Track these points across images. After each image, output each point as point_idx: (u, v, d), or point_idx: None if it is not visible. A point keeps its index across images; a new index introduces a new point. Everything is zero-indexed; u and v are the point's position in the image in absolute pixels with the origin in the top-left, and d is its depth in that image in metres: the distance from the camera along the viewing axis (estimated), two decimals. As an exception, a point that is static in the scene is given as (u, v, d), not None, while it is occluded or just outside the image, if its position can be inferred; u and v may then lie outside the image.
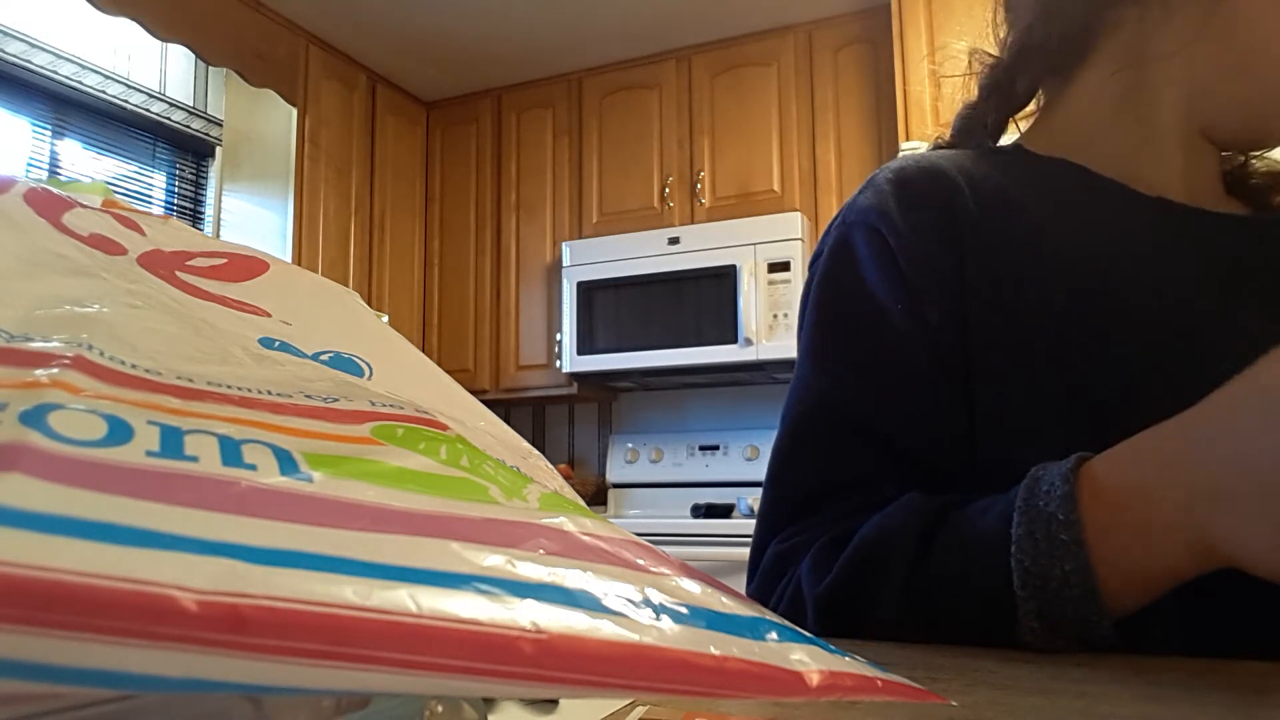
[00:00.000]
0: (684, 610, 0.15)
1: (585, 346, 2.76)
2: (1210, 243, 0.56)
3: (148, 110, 2.63)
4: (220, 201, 2.83)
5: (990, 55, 0.65)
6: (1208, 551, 0.37)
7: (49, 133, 2.41)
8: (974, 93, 0.67)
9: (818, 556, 0.49)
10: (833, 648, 0.17)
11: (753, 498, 2.55)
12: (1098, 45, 0.60)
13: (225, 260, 0.27)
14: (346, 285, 0.31)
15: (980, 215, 0.55)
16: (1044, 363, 0.51)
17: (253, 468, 0.15)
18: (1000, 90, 0.65)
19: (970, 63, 0.67)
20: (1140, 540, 0.38)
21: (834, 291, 0.58)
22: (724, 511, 2.57)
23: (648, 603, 0.15)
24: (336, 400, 0.20)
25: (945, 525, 0.45)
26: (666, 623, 0.15)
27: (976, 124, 0.66)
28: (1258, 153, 0.66)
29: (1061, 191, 0.58)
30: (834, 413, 0.55)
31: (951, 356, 0.53)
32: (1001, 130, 0.67)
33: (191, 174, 2.81)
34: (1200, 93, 0.59)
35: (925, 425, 0.52)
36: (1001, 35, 0.65)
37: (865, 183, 0.60)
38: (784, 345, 2.51)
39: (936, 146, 0.67)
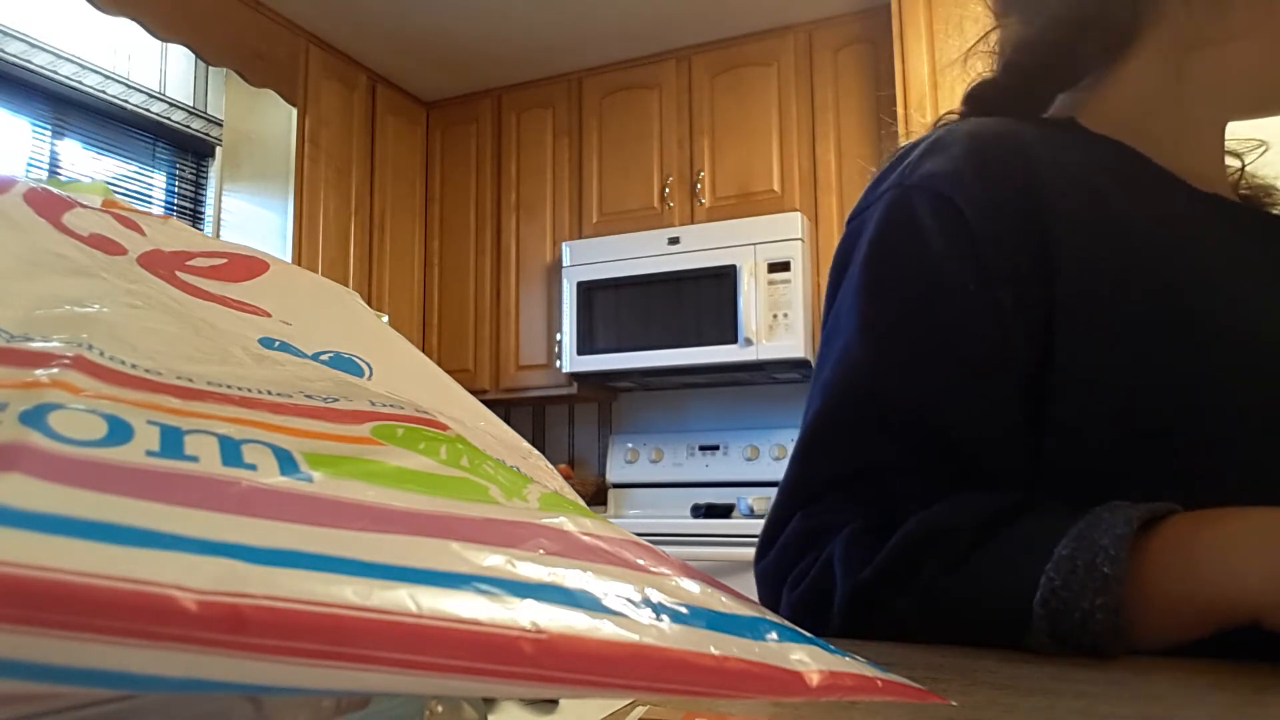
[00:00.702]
0: (684, 610, 0.15)
1: (585, 346, 2.76)
2: (1273, 246, 0.55)
3: (148, 110, 2.63)
4: (220, 201, 2.83)
5: (1017, 30, 0.62)
6: (1253, 618, 0.37)
7: (49, 133, 2.41)
8: (985, 68, 0.64)
9: (853, 543, 0.47)
10: (833, 648, 0.17)
11: (753, 498, 2.55)
12: (1144, 29, 0.58)
13: (225, 260, 0.27)
14: (346, 285, 0.31)
15: (1065, 197, 0.51)
16: (1128, 372, 0.48)
17: (253, 468, 0.15)
18: (1032, 70, 0.61)
19: (988, 37, 0.64)
20: (1200, 592, 0.38)
21: (892, 262, 0.53)
22: (724, 511, 2.57)
23: (648, 603, 0.15)
24: (336, 400, 0.20)
25: (998, 534, 0.43)
26: (666, 623, 0.15)
27: (1027, 95, 0.61)
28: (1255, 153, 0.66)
29: (1130, 178, 0.55)
30: (881, 393, 0.51)
31: (1021, 346, 0.49)
32: (1047, 105, 0.63)
33: (191, 174, 2.81)
34: (1239, 78, 0.58)
35: (981, 417, 0.49)
36: (1011, 12, 0.63)
37: (928, 145, 0.55)
38: (784, 345, 2.51)
39: (939, 124, 0.63)
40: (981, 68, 0.65)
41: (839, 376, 0.52)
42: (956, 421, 0.49)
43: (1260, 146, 0.67)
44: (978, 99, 0.63)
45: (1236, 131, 0.64)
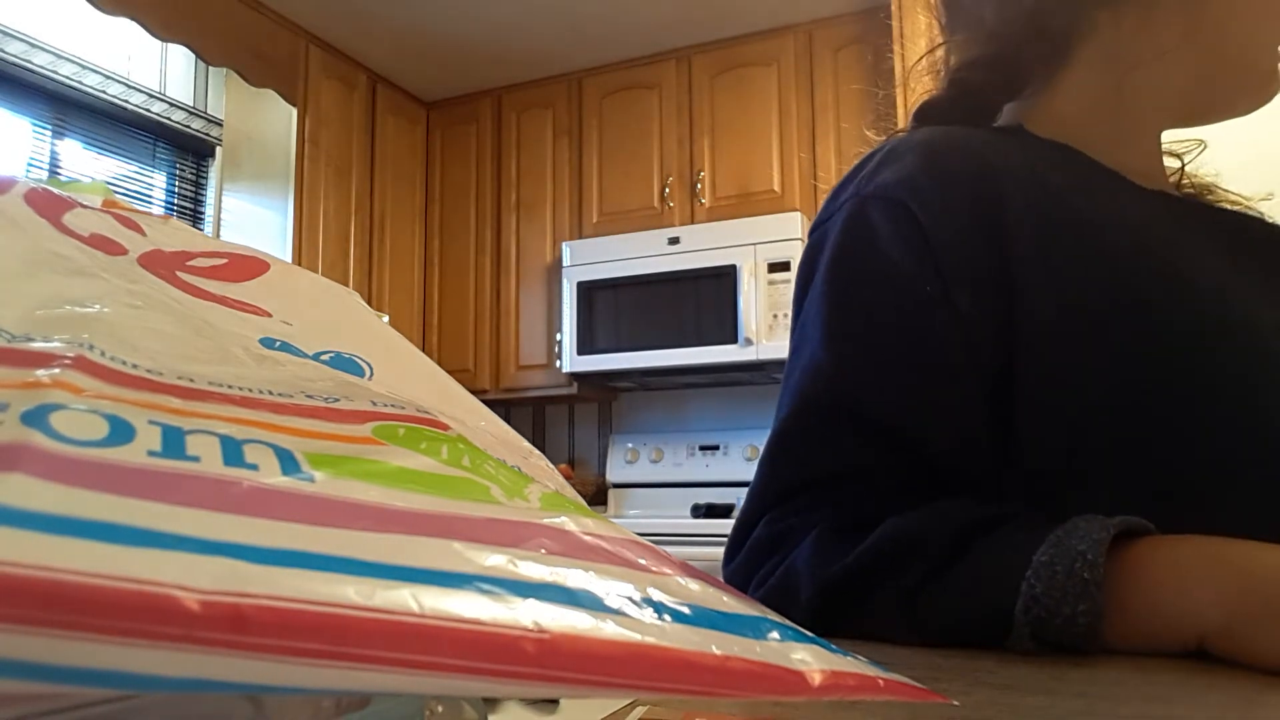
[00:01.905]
0: (686, 610, 0.15)
1: (585, 346, 2.76)
2: (1220, 237, 0.56)
3: (148, 110, 2.63)
4: (220, 201, 2.83)
5: (962, 45, 0.64)
6: (1217, 645, 0.37)
7: (49, 133, 2.41)
8: (933, 84, 0.66)
9: (821, 545, 0.47)
10: (834, 647, 0.17)
11: (753, 498, 2.55)
12: (1078, 42, 0.60)
13: (225, 260, 0.27)
14: (346, 285, 0.31)
15: (1022, 197, 0.51)
16: (1098, 370, 0.49)
17: (254, 468, 0.15)
18: (977, 82, 0.62)
19: (937, 50, 0.66)
20: (1160, 614, 0.39)
21: (851, 272, 0.54)
22: (724, 511, 2.57)
23: (649, 602, 0.15)
24: (338, 400, 0.20)
25: (975, 543, 0.44)
26: (668, 622, 0.15)
27: (974, 107, 0.63)
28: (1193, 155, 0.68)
29: (1081, 177, 0.56)
30: (847, 399, 0.51)
31: (981, 349, 0.50)
32: (994, 117, 0.65)
33: (191, 174, 2.81)
34: (1173, 94, 0.60)
35: (947, 421, 0.50)
36: (959, 28, 0.64)
37: (883, 155, 0.56)
38: (784, 345, 2.50)
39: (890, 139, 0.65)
40: (930, 84, 0.67)
41: (806, 384, 0.53)
42: (922, 426, 0.50)
43: (1199, 146, 0.69)
44: (926, 114, 0.64)
45: (1176, 132, 0.66)
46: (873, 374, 0.51)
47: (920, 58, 0.67)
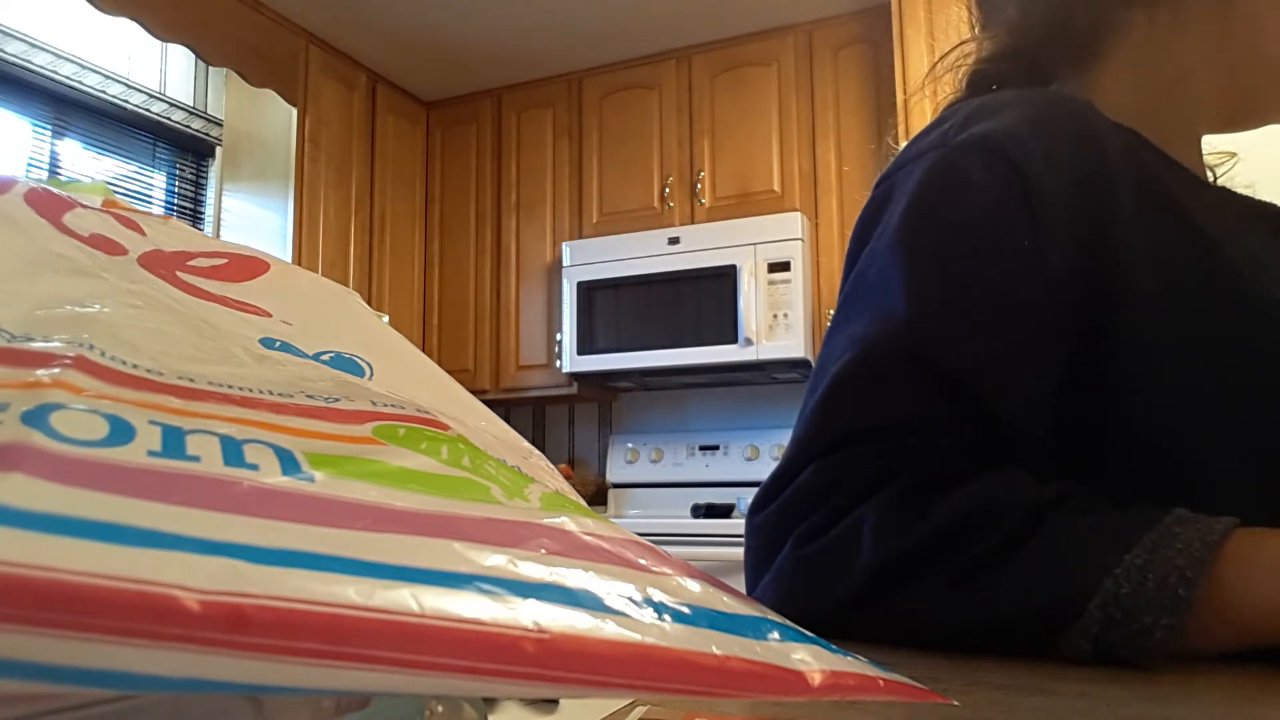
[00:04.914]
0: (686, 610, 0.15)
1: (585, 346, 2.76)
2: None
3: (148, 110, 2.63)
4: (220, 201, 2.83)
5: (986, 43, 0.62)
6: None
7: (49, 133, 2.41)
8: (959, 87, 0.64)
9: (889, 505, 0.44)
10: (834, 647, 0.17)
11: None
12: (1108, 40, 0.59)
13: (225, 260, 0.27)
14: (346, 285, 0.31)
15: (1122, 165, 0.50)
16: (1196, 349, 0.47)
17: (254, 467, 0.15)
18: (996, 79, 0.61)
19: (961, 50, 0.65)
20: (1250, 611, 0.38)
21: (935, 219, 0.51)
22: (724, 511, 2.57)
23: (649, 602, 0.15)
24: (338, 400, 0.20)
25: (1045, 524, 0.42)
26: (668, 622, 0.15)
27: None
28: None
29: (1161, 160, 0.54)
30: (921, 350, 0.48)
31: (1062, 311, 0.48)
32: None
33: (191, 174, 2.81)
34: (1211, 97, 0.59)
35: (1021, 382, 0.48)
36: (989, 26, 0.63)
37: (973, 109, 0.53)
38: (784, 345, 2.51)
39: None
40: (950, 82, 0.66)
41: (876, 329, 0.49)
42: (998, 384, 0.47)
43: (1231, 159, 0.68)
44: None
45: (1208, 145, 0.65)
46: (955, 326, 0.48)
47: (945, 54, 0.65)
